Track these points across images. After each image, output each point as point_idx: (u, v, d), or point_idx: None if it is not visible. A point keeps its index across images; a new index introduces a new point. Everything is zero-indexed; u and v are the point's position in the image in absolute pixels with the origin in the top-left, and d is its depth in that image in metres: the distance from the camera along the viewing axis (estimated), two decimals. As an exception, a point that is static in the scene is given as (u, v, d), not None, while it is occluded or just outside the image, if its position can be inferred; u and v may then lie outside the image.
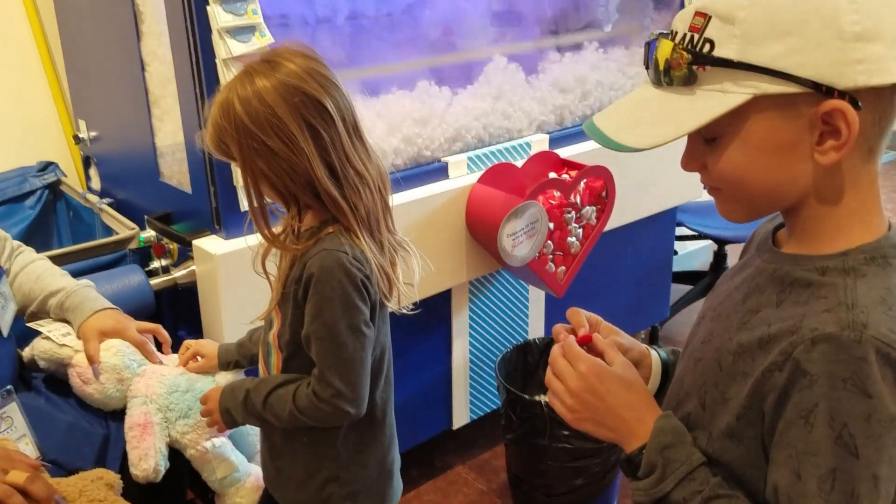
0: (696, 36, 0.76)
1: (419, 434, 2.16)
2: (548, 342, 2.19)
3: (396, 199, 1.81)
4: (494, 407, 2.28)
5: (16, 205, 2.18)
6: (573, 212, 2.04)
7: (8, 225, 2.12)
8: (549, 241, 2.02)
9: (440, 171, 1.97)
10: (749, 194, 0.81)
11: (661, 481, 0.83)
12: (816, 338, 0.73)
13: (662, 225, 2.60)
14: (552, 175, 2.08)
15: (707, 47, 0.75)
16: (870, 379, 0.71)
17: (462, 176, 1.99)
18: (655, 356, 1.03)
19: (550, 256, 2.05)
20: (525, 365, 2.20)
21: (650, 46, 0.81)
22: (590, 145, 2.21)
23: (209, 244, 1.61)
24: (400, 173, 1.89)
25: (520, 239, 1.92)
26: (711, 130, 0.79)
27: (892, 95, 0.75)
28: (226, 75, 1.48)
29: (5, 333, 1.36)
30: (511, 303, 2.24)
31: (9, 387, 1.32)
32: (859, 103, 0.72)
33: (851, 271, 0.77)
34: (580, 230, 2.09)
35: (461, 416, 2.23)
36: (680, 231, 2.83)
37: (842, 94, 0.72)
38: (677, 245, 3.02)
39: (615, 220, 2.22)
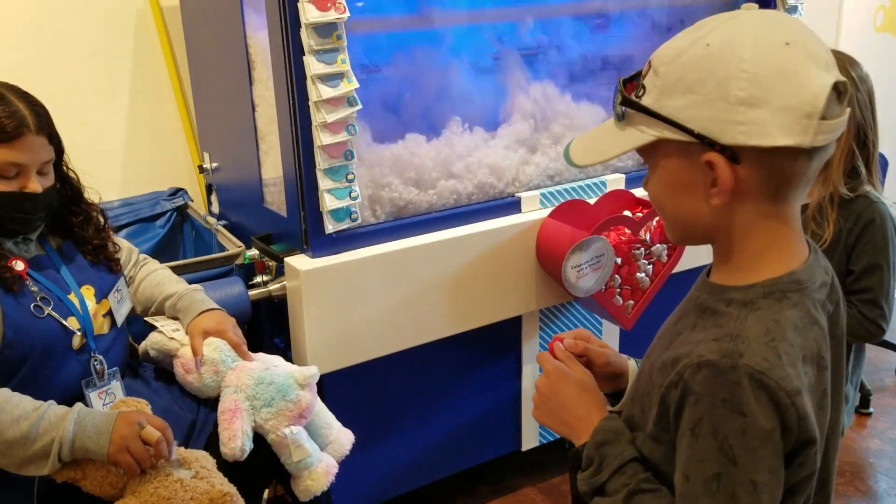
0: (641, 80, 0.90)
1: (487, 451, 2.29)
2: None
3: (469, 230, 1.99)
4: (566, 432, 2.39)
5: (148, 224, 2.51)
6: (642, 248, 2.14)
7: (140, 241, 2.44)
8: (617, 276, 2.12)
9: (513, 206, 2.12)
10: (667, 220, 0.95)
11: (598, 473, 0.97)
12: (701, 363, 0.85)
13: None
14: (626, 213, 2.18)
15: (642, 92, 0.89)
16: (743, 400, 0.82)
17: (534, 210, 2.13)
18: (633, 366, 1.16)
19: (618, 290, 2.15)
20: (593, 393, 2.29)
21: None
22: (666, 187, 2.29)
23: (297, 262, 1.83)
24: (475, 206, 2.07)
25: (584, 271, 2.04)
26: (645, 160, 0.93)
27: (785, 156, 0.84)
28: (316, 117, 1.71)
29: (119, 324, 1.62)
30: (583, 333, 2.34)
31: (116, 368, 1.58)
32: (739, 159, 0.83)
33: (749, 304, 0.88)
34: (650, 267, 2.18)
35: (530, 438, 2.34)
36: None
37: (725, 149, 0.84)
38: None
39: (691, 261, 2.29)
